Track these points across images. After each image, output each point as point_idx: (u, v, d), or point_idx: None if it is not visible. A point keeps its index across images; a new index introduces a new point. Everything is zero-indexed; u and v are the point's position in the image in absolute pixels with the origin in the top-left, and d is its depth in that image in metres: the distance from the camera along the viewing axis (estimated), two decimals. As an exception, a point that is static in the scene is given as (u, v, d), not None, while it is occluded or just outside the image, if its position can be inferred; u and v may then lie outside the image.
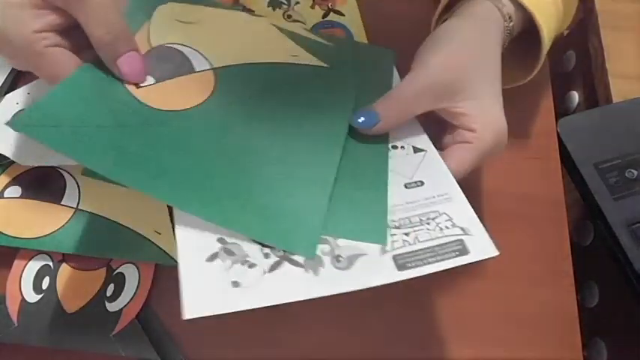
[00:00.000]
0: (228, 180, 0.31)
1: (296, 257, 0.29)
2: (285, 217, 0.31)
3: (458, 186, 0.34)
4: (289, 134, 0.35)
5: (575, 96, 0.64)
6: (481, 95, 0.36)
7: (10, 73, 0.43)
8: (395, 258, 0.29)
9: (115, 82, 0.33)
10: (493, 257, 0.30)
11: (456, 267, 0.29)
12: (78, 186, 0.40)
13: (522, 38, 0.42)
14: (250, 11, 0.50)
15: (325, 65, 0.41)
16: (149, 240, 0.38)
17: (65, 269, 0.38)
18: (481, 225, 0.31)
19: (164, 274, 0.39)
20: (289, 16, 0.51)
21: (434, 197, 0.33)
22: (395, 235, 0.31)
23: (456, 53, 0.36)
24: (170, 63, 0.36)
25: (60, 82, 0.31)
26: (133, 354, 0.36)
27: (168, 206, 0.38)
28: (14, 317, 0.37)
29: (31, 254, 0.39)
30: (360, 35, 0.51)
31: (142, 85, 0.34)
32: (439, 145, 0.37)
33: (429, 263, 0.29)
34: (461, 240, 0.30)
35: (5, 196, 0.39)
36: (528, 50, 0.42)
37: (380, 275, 0.29)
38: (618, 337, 0.51)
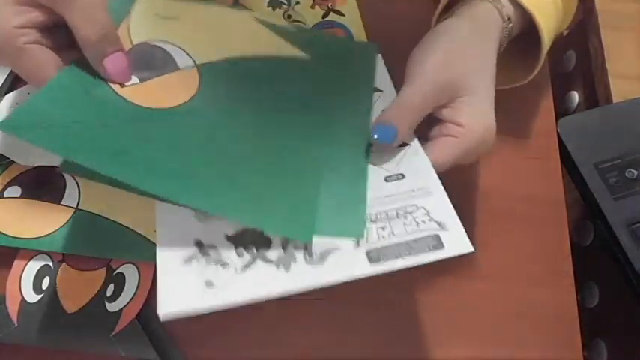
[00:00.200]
0: (220, 171, 0.31)
1: (269, 254, 0.29)
2: (279, 205, 0.31)
3: (438, 180, 0.34)
4: (276, 126, 0.36)
5: (575, 96, 0.64)
6: (475, 93, 0.36)
7: (10, 73, 0.43)
8: (368, 252, 0.30)
9: (100, 81, 0.33)
10: (467, 253, 0.30)
11: (432, 262, 0.29)
12: (78, 186, 0.40)
13: (522, 38, 0.42)
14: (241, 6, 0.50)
15: (306, 57, 0.42)
16: (149, 240, 0.38)
17: (65, 269, 0.38)
18: (458, 220, 0.31)
19: (164, 274, 0.39)
20: (289, 16, 0.51)
21: (413, 191, 0.33)
22: (371, 229, 0.31)
23: (455, 52, 0.36)
24: (153, 61, 0.36)
25: (38, 80, 0.31)
26: (133, 354, 0.36)
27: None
28: (14, 317, 0.37)
29: (31, 254, 0.39)
30: (360, 35, 0.51)
31: (126, 84, 0.34)
32: (425, 136, 0.37)
33: (403, 257, 0.29)
34: (436, 235, 0.30)
35: (5, 196, 0.39)
36: (528, 50, 0.42)
37: (352, 269, 0.29)
38: (618, 337, 0.51)
